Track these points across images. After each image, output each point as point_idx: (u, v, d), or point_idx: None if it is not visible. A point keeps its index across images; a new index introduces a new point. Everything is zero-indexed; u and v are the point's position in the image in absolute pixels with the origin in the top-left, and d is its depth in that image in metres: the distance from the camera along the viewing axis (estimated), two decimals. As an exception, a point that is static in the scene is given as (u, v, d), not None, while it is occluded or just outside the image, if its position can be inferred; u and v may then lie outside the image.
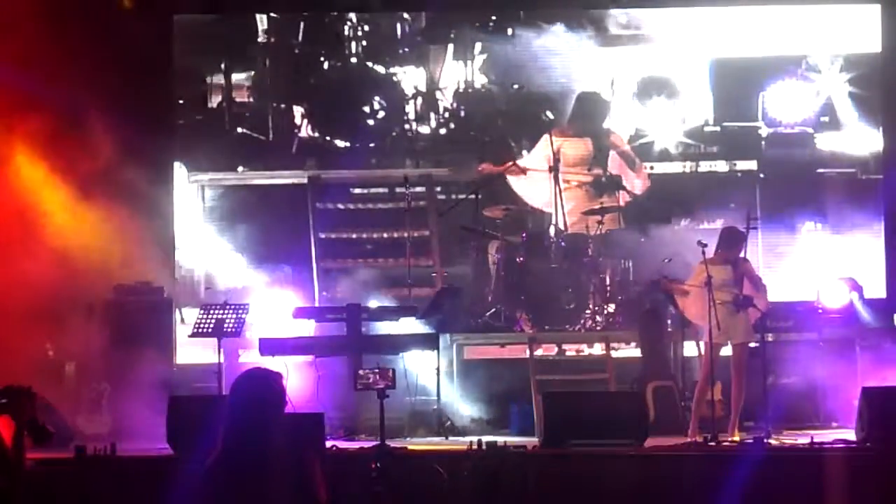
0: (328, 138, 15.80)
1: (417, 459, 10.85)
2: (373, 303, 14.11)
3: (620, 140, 15.31)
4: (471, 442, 11.10)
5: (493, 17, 15.76)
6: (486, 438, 11.05)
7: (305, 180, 15.66)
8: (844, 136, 15.57)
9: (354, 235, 15.66)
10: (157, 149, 14.91)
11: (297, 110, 15.79)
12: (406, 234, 14.77)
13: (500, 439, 11.18)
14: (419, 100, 15.82)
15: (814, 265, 14.85)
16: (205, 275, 15.41)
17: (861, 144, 15.56)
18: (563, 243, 14.30)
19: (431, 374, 13.38)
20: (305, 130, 15.78)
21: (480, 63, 15.82)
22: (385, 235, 15.53)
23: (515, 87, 15.69)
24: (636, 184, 15.15)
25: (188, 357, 14.29)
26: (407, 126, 15.82)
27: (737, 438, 11.89)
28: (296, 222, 15.52)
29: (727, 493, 9.98)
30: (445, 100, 15.84)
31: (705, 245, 11.96)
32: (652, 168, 15.50)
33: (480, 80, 15.83)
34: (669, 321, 13.73)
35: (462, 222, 14.84)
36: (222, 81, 15.74)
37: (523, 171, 14.98)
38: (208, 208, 15.64)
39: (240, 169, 15.71)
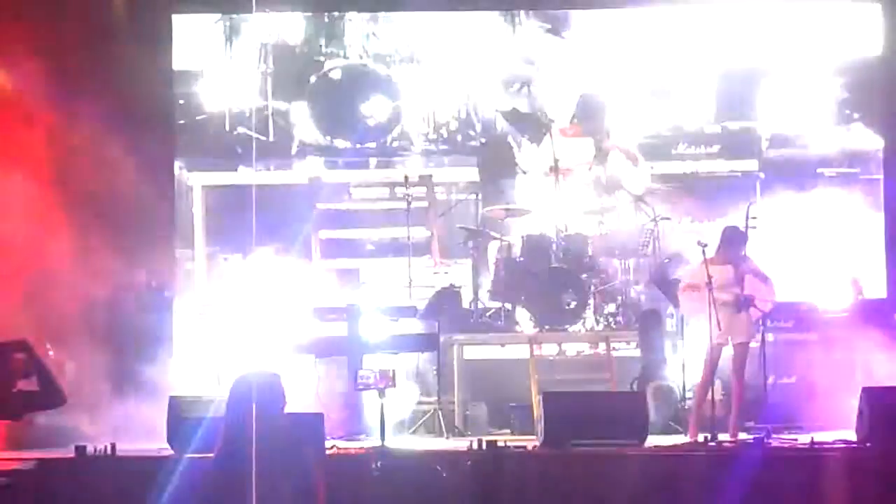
0: (328, 138, 15.81)
1: (417, 459, 10.85)
2: (373, 303, 14.10)
3: (622, 138, 15.31)
4: (471, 442, 11.10)
5: (495, 17, 15.77)
6: (486, 438, 11.04)
7: (305, 180, 15.67)
8: (845, 136, 15.57)
9: (355, 235, 15.67)
10: (157, 149, 14.91)
11: (297, 110, 15.79)
12: (406, 234, 14.78)
13: (500, 439, 11.17)
14: (419, 100, 15.82)
15: (814, 265, 14.84)
16: (205, 275, 15.41)
17: (861, 144, 15.56)
18: (563, 243, 14.29)
19: (431, 374, 13.40)
20: (305, 130, 15.79)
21: (481, 63, 15.82)
22: (385, 235, 15.54)
23: (516, 86, 15.69)
24: (637, 182, 15.13)
25: (188, 357, 14.28)
26: (407, 126, 15.83)
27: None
28: (296, 222, 15.52)
29: (727, 493, 9.98)
30: (446, 100, 15.84)
31: (705, 245, 11.97)
32: (652, 168, 15.50)
33: (481, 81, 15.83)
34: (669, 321, 13.74)
35: (462, 222, 14.84)
36: (222, 81, 15.73)
37: (524, 170, 14.98)
38: (208, 208, 15.64)
39: (240, 169, 15.72)
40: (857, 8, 15.56)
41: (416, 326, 13.65)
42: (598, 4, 15.81)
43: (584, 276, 14.10)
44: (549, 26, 15.75)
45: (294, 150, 15.79)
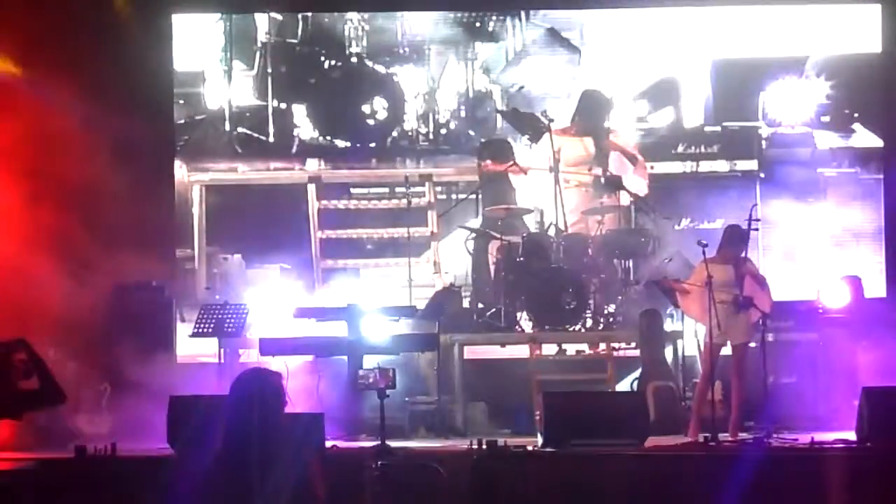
0: (328, 138, 15.81)
1: (417, 459, 10.84)
2: (373, 303, 14.09)
3: (622, 137, 15.30)
4: (471, 442, 11.10)
5: (494, 17, 15.77)
6: (486, 438, 11.03)
7: (305, 180, 15.67)
8: (845, 135, 15.57)
9: (355, 235, 15.67)
10: (157, 148, 14.93)
11: (297, 110, 15.80)
12: (406, 234, 14.78)
13: (500, 439, 11.17)
14: (419, 100, 15.82)
15: (814, 265, 14.84)
16: (205, 274, 15.41)
17: (861, 144, 15.56)
18: (563, 243, 14.29)
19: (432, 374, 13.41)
20: (305, 130, 15.79)
21: (481, 63, 15.82)
22: (385, 235, 15.54)
23: (515, 86, 15.69)
24: (636, 181, 15.11)
25: (188, 357, 14.29)
26: (407, 126, 15.83)
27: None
28: (296, 222, 15.53)
29: (727, 492, 9.97)
30: (446, 100, 15.84)
31: (705, 245, 11.96)
32: (652, 168, 15.50)
33: (481, 81, 15.84)
34: (669, 321, 13.73)
35: (462, 222, 14.83)
36: (222, 81, 15.74)
37: (524, 170, 14.96)
38: (208, 208, 15.63)
39: (240, 169, 15.72)
40: (857, 8, 15.56)
41: (416, 327, 13.65)
42: (598, 4, 15.81)
43: (584, 276, 14.09)
44: (549, 26, 15.75)
45: (294, 150, 15.78)
